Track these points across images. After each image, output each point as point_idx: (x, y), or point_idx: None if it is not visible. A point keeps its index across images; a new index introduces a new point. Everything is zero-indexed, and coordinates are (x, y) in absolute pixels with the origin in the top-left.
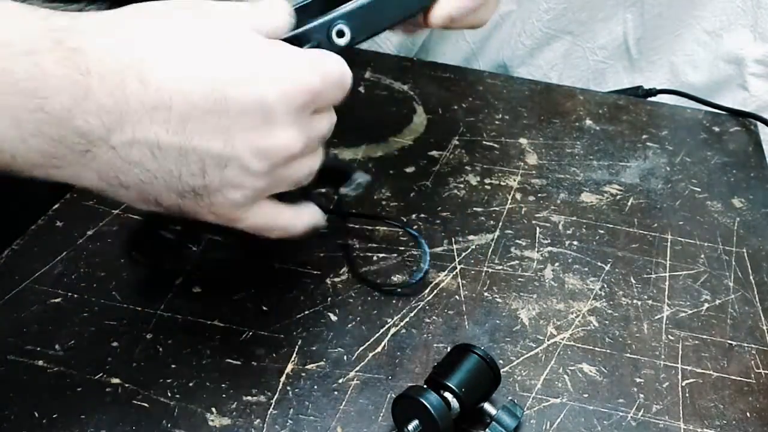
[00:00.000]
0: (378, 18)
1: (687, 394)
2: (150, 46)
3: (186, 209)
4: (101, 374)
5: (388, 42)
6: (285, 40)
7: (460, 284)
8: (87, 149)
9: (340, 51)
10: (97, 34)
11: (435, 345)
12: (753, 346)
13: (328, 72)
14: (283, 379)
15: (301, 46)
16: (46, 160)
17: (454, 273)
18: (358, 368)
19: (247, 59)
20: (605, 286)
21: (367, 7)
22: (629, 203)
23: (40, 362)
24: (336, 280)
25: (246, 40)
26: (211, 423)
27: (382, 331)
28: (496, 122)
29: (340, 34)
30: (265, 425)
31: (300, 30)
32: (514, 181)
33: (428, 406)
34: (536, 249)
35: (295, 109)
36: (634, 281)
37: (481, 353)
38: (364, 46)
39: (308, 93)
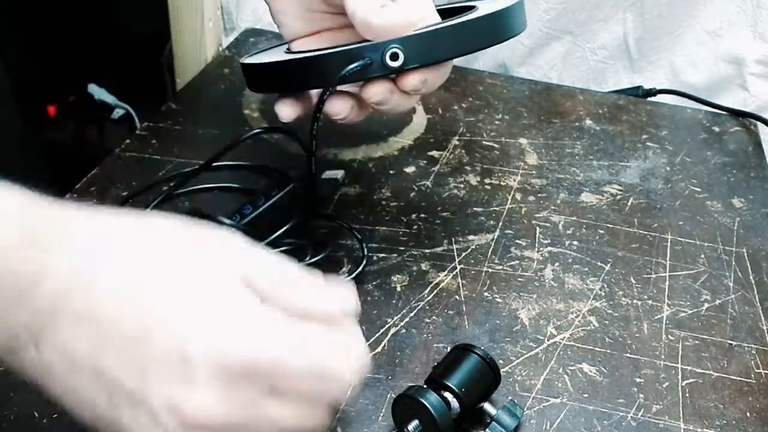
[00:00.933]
0: (434, 49)
1: (687, 394)
2: (110, 260)
3: None
4: None
5: None
6: (335, 53)
7: (460, 284)
8: (21, 346)
9: (391, 72)
10: (79, 232)
11: (435, 345)
12: (753, 346)
13: (300, 361)
14: None
15: (351, 62)
16: None
17: (454, 273)
18: None
19: (196, 304)
20: (605, 286)
21: (425, 36)
22: (629, 203)
23: None
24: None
25: (210, 288)
26: None
27: (382, 331)
28: (496, 122)
29: (394, 57)
30: None
31: (354, 46)
32: (514, 181)
33: (428, 406)
34: (536, 249)
35: (222, 374)
36: (634, 281)
37: (481, 353)
38: None
39: (241, 362)
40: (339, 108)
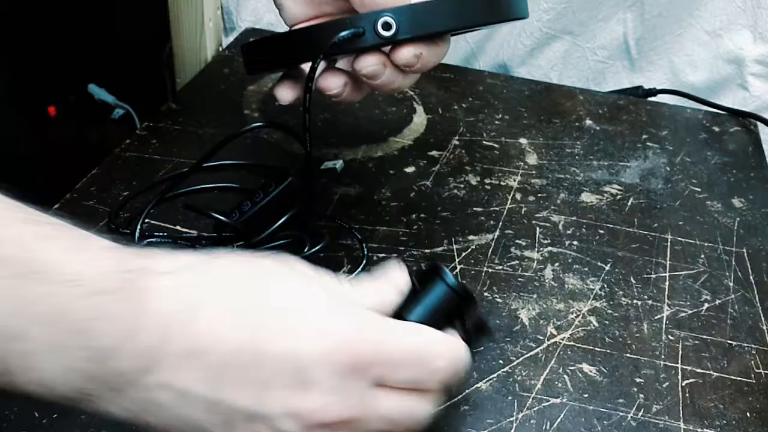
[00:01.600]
0: (428, 21)
1: (687, 394)
2: (206, 290)
3: None
4: None
5: None
6: (328, 24)
7: None
8: (121, 388)
9: (384, 42)
10: (165, 275)
11: None
12: (753, 346)
13: (401, 345)
14: None
15: (344, 29)
16: (79, 396)
17: (455, 273)
18: None
19: (295, 311)
20: (605, 286)
21: (419, 7)
22: (629, 203)
23: None
24: None
25: (305, 294)
26: None
27: None
28: (496, 122)
29: (386, 26)
30: None
31: (347, 16)
32: (514, 181)
33: None
34: (536, 249)
35: (334, 372)
36: (634, 281)
37: (448, 281)
38: None
39: (356, 357)
40: (332, 83)
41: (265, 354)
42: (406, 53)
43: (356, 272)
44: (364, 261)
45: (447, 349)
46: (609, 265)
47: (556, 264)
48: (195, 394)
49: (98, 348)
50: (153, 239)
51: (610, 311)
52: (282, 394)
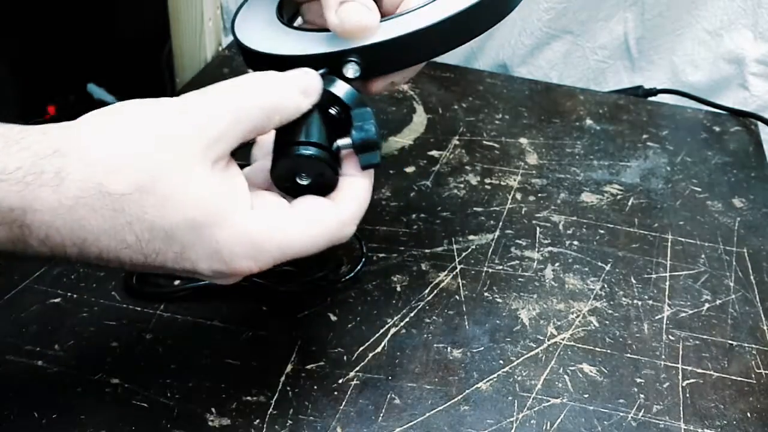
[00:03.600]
0: (396, 60)
1: (687, 395)
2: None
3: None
4: (101, 374)
5: None
6: (293, 58)
7: (460, 284)
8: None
9: (350, 82)
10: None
11: (435, 345)
12: (753, 346)
13: (299, 249)
14: (283, 379)
15: (315, 68)
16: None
17: (454, 273)
18: (358, 368)
19: (193, 240)
20: (605, 286)
21: (385, 46)
22: (629, 203)
23: (40, 362)
24: (336, 280)
25: (202, 208)
26: (211, 423)
27: (382, 331)
28: (496, 122)
29: (352, 70)
30: (265, 425)
31: (316, 53)
32: (514, 181)
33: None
34: (536, 249)
35: (228, 278)
36: (634, 281)
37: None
38: None
39: (249, 273)
40: None
41: (195, 259)
42: (377, 86)
43: (355, 271)
44: (363, 260)
45: (349, 219)
46: (609, 265)
47: (557, 264)
48: (149, 246)
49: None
50: None
51: (610, 311)
52: (208, 264)
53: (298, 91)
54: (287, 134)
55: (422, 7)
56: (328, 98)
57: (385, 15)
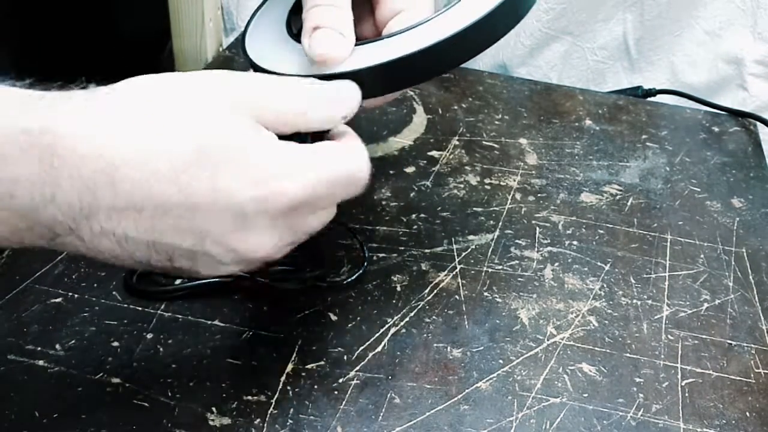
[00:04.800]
0: (374, 87)
1: (686, 394)
2: (122, 145)
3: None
4: (101, 374)
5: None
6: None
7: (460, 284)
8: (53, 237)
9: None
10: (70, 128)
11: (435, 345)
12: (752, 345)
13: (328, 176)
14: (283, 378)
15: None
16: (16, 241)
17: (454, 273)
18: (358, 368)
19: (225, 160)
20: (605, 285)
21: (364, 74)
22: (629, 203)
23: (41, 362)
24: (336, 280)
25: (230, 135)
26: (211, 423)
27: (382, 331)
28: (496, 122)
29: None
30: (265, 425)
31: (315, 73)
32: (514, 181)
33: None
34: (536, 249)
35: (273, 215)
36: (633, 281)
37: None
38: None
39: (290, 202)
40: None
41: (198, 208)
42: (371, 103)
43: (357, 273)
44: (365, 261)
45: (362, 159)
46: (609, 265)
47: (556, 264)
48: (134, 239)
49: (22, 207)
50: None
51: (609, 311)
52: (221, 237)
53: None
54: None
55: (420, 24)
56: None
57: (378, 28)
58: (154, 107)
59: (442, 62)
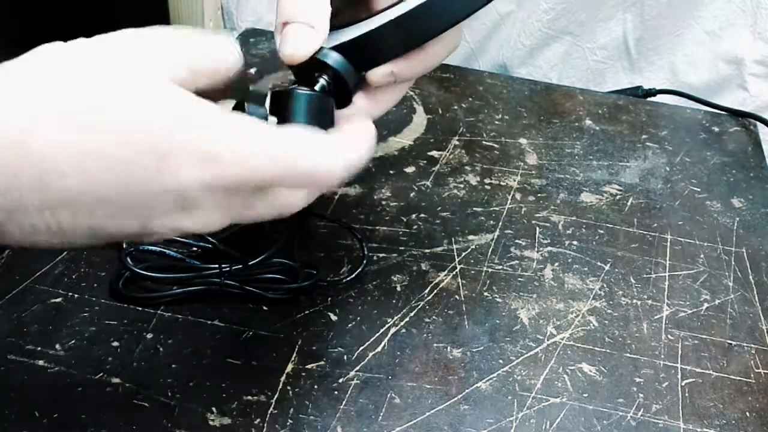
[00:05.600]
0: (379, 49)
1: (686, 394)
2: (44, 130)
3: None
4: (101, 374)
5: None
6: None
7: (460, 284)
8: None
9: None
10: None
11: (435, 345)
12: (752, 345)
13: (285, 163)
14: (283, 378)
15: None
16: None
17: (454, 273)
18: (358, 368)
19: (164, 138)
20: (605, 285)
21: (363, 39)
22: (629, 203)
23: (41, 362)
24: (336, 279)
25: (167, 107)
26: (211, 423)
27: (382, 330)
28: (496, 122)
29: (324, 86)
30: (265, 425)
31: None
32: (514, 181)
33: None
34: (536, 249)
35: (221, 195)
36: (633, 281)
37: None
38: None
39: (238, 180)
40: None
41: (140, 193)
42: (376, 76)
43: (357, 271)
44: (365, 262)
45: (335, 160)
46: (609, 265)
47: (556, 264)
48: (73, 230)
49: None
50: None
51: (609, 311)
52: (166, 218)
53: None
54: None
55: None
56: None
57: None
58: (77, 81)
59: (415, 32)
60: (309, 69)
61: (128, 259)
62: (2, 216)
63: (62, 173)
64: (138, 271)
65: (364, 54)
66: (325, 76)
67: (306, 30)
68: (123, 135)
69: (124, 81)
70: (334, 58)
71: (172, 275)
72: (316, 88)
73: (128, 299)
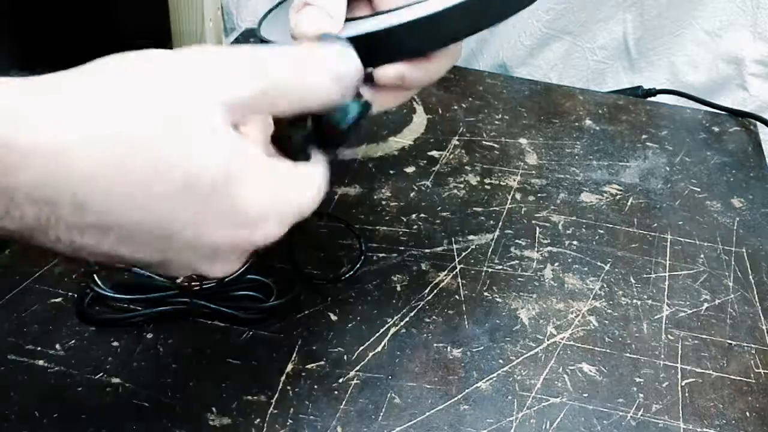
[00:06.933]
0: (390, 49)
1: (686, 394)
2: (90, 157)
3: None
4: (101, 374)
5: None
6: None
7: (460, 284)
8: (26, 237)
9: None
10: (28, 140)
11: (435, 345)
12: (752, 345)
13: (294, 212)
14: (283, 378)
15: None
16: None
17: (454, 273)
18: (358, 368)
19: (210, 195)
20: (605, 285)
21: (375, 36)
22: (629, 203)
23: (41, 362)
24: (333, 278)
25: (221, 164)
26: (211, 423)
27: (382, 330)
28: (496, 122)
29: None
30: (265, 425)
31: None
32: (514, 181)
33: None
34: (536, 249)
35: (243, 251)
36: (633, 281)
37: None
38: None
39: (264, 242)
40: None
41: (170, 239)
42: (385, 75)
43: (355, 268)
44: (362, 258)
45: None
46: (609, 265)
47: (556, 264)
48: (94, 252)
49: None
50: None
51: (609, 311)
52: (186, 263)
53: (330, 77)
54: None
55: (417, 3)
56: None
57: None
58: (134, 105)
59: (436, 34)
60: None
61: (95, 277)
62: (33, 224)
63: (102, 201)
64: (102, 291)
65: (377, 50)
66: None
67: (326, 15)
68: (176, 181)
69: (180, 116)
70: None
71: (139, 296)
72: None
73: (94, 321)
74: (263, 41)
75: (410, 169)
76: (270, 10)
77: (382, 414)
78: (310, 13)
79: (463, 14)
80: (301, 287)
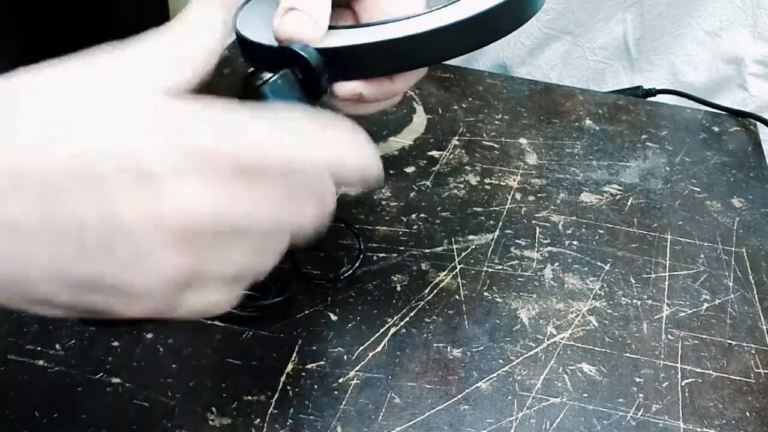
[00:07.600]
0: (360, 66)
1: (686, 394)
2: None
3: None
4: (101, 374)
5: None
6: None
7: (460, 284)
8: None
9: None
10: None
11: (435, 345)
12: (752, 345)
13: (270, 138)
14: (283, 378)
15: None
16: None
17: (454, 273)
18: (358, 368)
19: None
20: (605, 285)
21: (349, 51)
22: (629, 203)
23: (41, 362)
24: (332, 277)
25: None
26: (211, 423)
27: (382, 330)
28: (496, 122)
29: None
30: (265, 425)
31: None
32: (514, 181)
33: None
34: (536, 249)
35: (189, 166)
36: (633, 281)
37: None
38: None
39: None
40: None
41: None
42: (341, 90)
43: (354, 267)
44: (361, 257)
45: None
46: (609, 265)
47: (556, 264)
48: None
49: None
50: None
51: (609, 311)
52: (132, 208)
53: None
54: None
55: (409, 17)
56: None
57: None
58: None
59: (423, 53)
60: (286, 62)
61: None
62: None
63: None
64: None
65: (342, 66)
66: (298, 70)
67: (310, 20)
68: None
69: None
70: (315, 57)
71: None
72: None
73: (94, 321)
74: (238, 36)
75: (410, 169)
76: (246, 2)
77: (382, 414)
78: (296, 18)
79: (434, 40)
80: (298, 284)
